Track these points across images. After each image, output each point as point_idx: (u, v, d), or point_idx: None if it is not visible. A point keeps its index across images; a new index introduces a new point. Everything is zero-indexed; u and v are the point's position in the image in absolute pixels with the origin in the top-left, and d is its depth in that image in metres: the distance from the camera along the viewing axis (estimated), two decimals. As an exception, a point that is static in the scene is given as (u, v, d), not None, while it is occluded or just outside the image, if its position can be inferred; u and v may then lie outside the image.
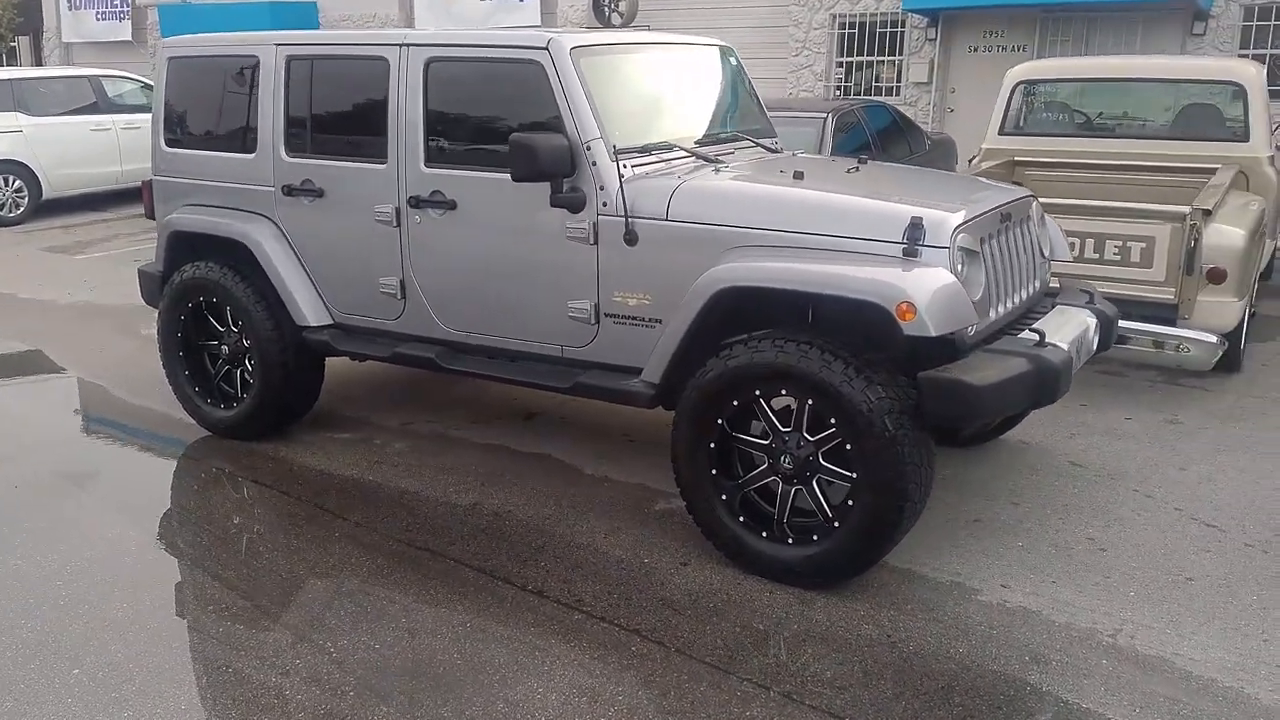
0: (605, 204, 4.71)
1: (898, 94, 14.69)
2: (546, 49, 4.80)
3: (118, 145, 15.08)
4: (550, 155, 4.60)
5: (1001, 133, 8.72)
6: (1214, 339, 6.34)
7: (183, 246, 6.15)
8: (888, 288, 4.02)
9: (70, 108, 14.86)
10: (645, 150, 4.92)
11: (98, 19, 23.33)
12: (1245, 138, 8.04)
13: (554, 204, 4.74)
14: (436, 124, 5.18)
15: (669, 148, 5.06)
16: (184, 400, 6.23)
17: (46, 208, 14.61)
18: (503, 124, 5.03)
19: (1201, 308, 6.41)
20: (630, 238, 4.68)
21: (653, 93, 5.44)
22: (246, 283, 5.79)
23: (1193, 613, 4.20)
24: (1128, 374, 7.08)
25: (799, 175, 4.81)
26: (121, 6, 22.85)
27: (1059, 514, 5.07)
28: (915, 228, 4.16)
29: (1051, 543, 4.79)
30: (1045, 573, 4.51)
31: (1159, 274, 6.45)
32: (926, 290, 4.01)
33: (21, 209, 14.26)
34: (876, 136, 9.79)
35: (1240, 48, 12.83)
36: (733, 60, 6.02)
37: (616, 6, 16.11)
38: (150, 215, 6.47)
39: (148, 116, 15.05)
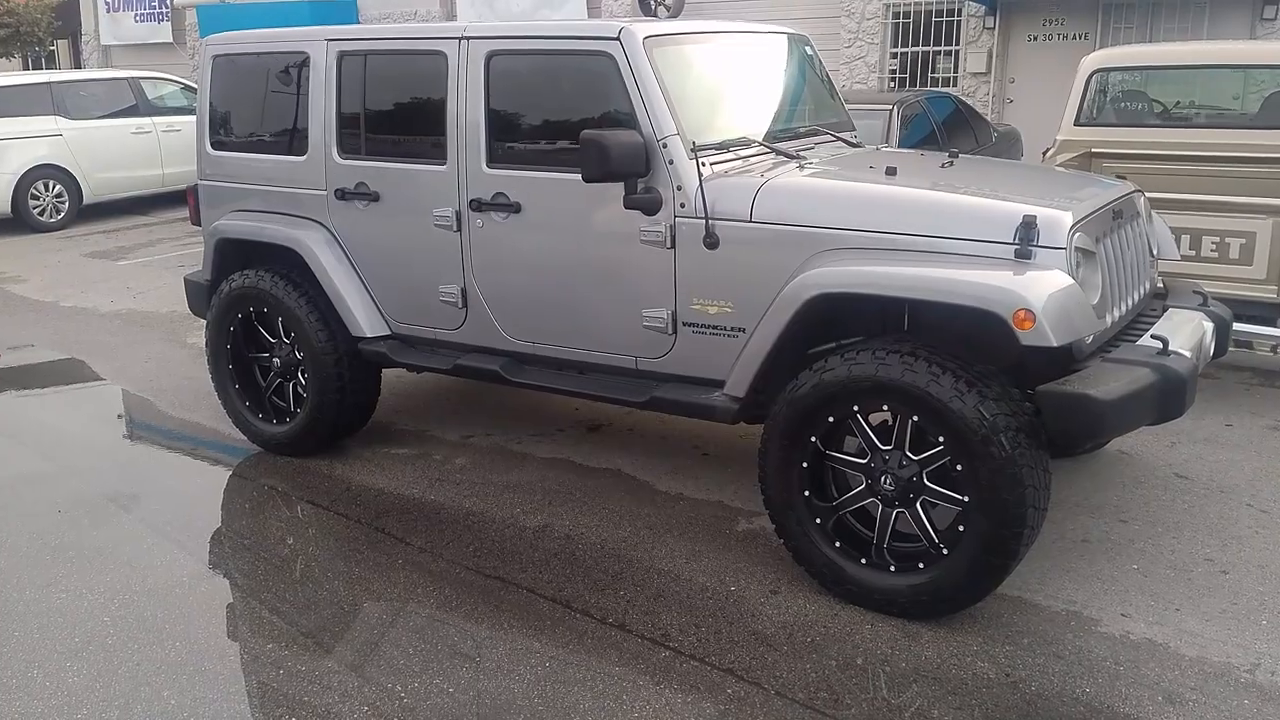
0: (683, 205, 4.39)
1: (954, 84, 14.26)
2: (618, 39, 4.48)
3: (159, 148, 14.92)
4: (624, 153, 4.27)
5: (1078, 123, 8.31)
6: (1322, 340, 5.95)
7: (231, 254, 5.89)
8: (1004, 293, 3.67)
9: (110, 110, 14.69)
10: (723, 147, 4.60)
11: (136, 21, 23.23)
12: (1338, 125, 7.60)
13: (628, 205, 4.41)
14: (499, 122, 4.87)
15: (747, 143, 4.74)
16: (234, 415, 5.97)
17: (87, 212, 14.46)
18: (571, 121, 4.72)
19: (1307, 307, 6.02)
20: (711, 241, 4.35)
21: (727, 85, 5.11)
22: (299, 291, 5.51)
23: (1336, 645, 3.84)
24: (1220, 375, 6.69)
25: (891, 171, 4.46)
26: (160, 8, 22.73)
27: (1171, 532, 4.71)
28: (1028, 227, 3.81)
29: (1169, 564, 4.42)
30: (1166, 599, 4.15)
31: (1259, 272, 6.06)
32: (1046, 295, 3.66)
33: (62, 214, 14.12)
34: (941, 128, 9.43)
35: (1313, 32, 12.34)
36: (807, 49, 5.69)
37: (663, 1, 15.79)
38: (196, 221, 6.21)
39: (189, 119, 15.14)
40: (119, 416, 6.74)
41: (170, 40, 22.71)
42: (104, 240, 13.25)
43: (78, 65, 29.29)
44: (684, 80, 4.64)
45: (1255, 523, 4.79)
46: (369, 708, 3.56)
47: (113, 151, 14.50)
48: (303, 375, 5.69)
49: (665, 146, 4.38)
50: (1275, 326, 6.02)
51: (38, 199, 13.90)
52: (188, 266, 11.16)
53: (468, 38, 4.89)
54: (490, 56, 4.83)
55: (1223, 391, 6.48)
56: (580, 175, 4.34)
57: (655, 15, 15.77)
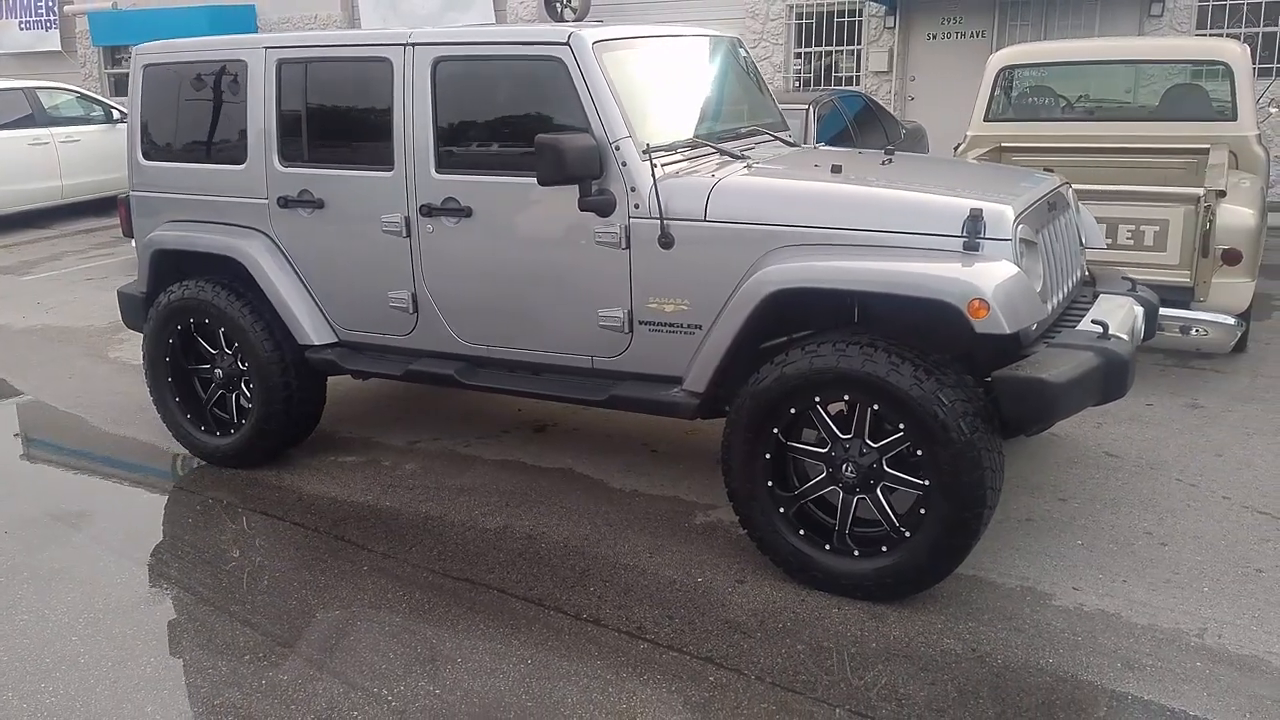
0: (637, 206, 4.47)
1: (857, 83, 14.56)
2: (567, 44, 4.55)
3: (58, 159, 14.52)
4: (579, 156, 4.34)
5: (987, 119, 8.58)
6: (1233, 321, 6.26)
7: (167, 265, 5.81)
8: (959, 284, 3.82)
9: (5, 121, 14.25)
10: (673, 148, 4.69)
11: (21, 28, 22.52)
12: (1233, 117, 7.96)
13: (582, 208, 4.49)
14: (447, 127, 4.90)
15: (695, 144, 4.84)
16: (174, 428, 5.89)
17: (-16, 228, 14.04)
18: (520, 125, 4.78)
19: (1217, 290, 6.32)
20: (666, 240, 4.44)
21: (672, 87, 5.20)
22: (242, 301, 5.47)
23: (1272, 606, 4.07)
24: (1137, 358, 6.96)
25: (837, 169, 4.60)
26: (48, 15, 22.07)
27: (1109, 508, 4.93)
28: (975, 220, 3.98)
29: (1110, 539, 4.63)
30: (1113, 571, 4.36)
31: (1173, 257, 6.34)
32: (996, 285, 3.83)
33: (-42, 229, 13.68)
34: (854, 125, 9.65)
35: (1197, 28, 12.87)
36: (741, 52, 5.81)
37: (569, 3, 15.81)
38: (128, 233, 6.13)
39: (87, 129, 14.82)
40: (53, 436, 6.60)
41: (59, 48, 22.06)
42: (4, 255, 12.86)
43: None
44: (632, 83, 4.72)
45: (1186, 496, 5.04)
46: (359, 713, 3.57)
47: (9, 164, 14.06)
48: (246, 386, 5.65)
49: (618, 149, 4.46)
50: (1189, 309, 6.30)
51: (-69, 215, 13.46)
52: (97, 280, 10.98)
53: (413, 44, 4.91)
54: (437, 62, 4.86)
55: (1140, 373, 6.71)
56: (535, 179, 4.41)
57: (561, 19, 15.80)
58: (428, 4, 17.44)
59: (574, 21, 15.37)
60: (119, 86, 21.56)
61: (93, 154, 14.91)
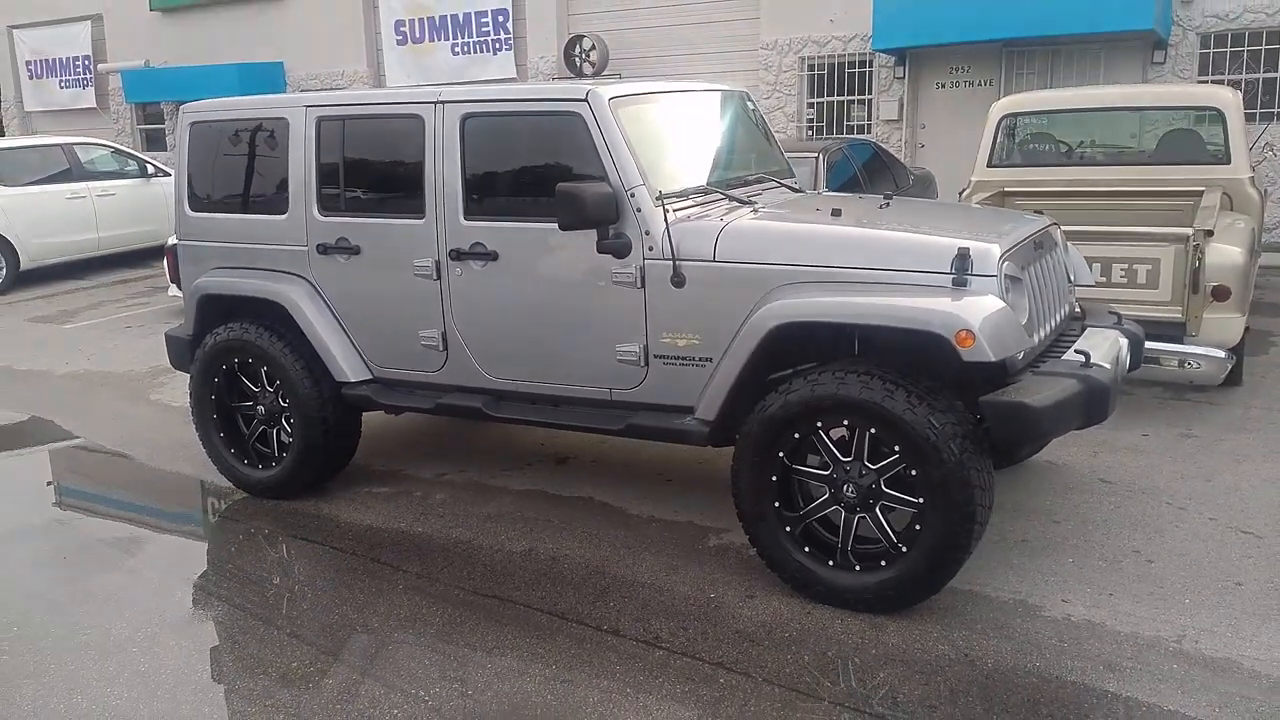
0: (651, 248, 4.83)
1: (868, 131, 14.97)
2: (586, 100, 4.93)
3: (94, 212, 15.03)
4: (596, 203, 4.71)
5: (990, 164, 8.93)
6: (1223, 354, 6.56)
7: (213, 309, 6.20)
8: (947, 316, 4.16)
9: (45, 176, 14.79)
10: (684, 194, 5.05)
11: (61, 86, 23.27)
12: (1227, 160, 8.29)
13: (600, 250, 4.85)
14: (475, 178, 5.28)
15: (705, 191, 5.20)
16: (219, 462, 6.25)
17: (24, 278, 14.50)
18: (542, 175, 5.15)
19: (1208, 325, 6.62)
20: (678, 280, 4.79)
21: (683, 138, 5.58)
22: (283, 342, 5.84)
23: (1249, 615, 4.35)
24: (1135, 391, 7.28)
25: (837, 212, 4.96)
26: (85, 74, 22.80)
27: (1100, 529, 5.22)
28: (963, 258, 4.31)
29: (1100, 557, 4.92)
30: (1100, 586, 4.65)
31: (1165, 294, 6.64)
32: (983, 317, 4.16)
33: (0, 280, 14.16)
34: (863, 172, 10.01)
35: (1199, 74, 13.22)
36: (749, 104, 6.19)
37: (588, 57, 16.34)
38: (175, 280, 6.52)
39: (122, 183, 15.34)
40: (102, 472, 6.97)
41: (94, 105, 22.76)
42: (45, 305, 13.33)
43: (-8, 133, 29.15)
44: (646, 135, 5.10)
45: (1174, 518, 5.32)
46: (399, 711, 3.90)
47: (48, 217, 14.60)
48: (286, 421, 6.01)
49: (633, 196, 4.83)
50: (1181, 344, 6.60)
51: (-25, 267, 13.96)
52: (135, 328, 11.41)
53: (443, 101, 5.30)
54: (465, 118, 5.25)
55: (1138, 405, 7.06)
56: (556, 224, 4.78)
57: (581, 72, 16.32)
58: (451, 60, 17.98)
59: (593, 75, 15.91)
60: (150, 141, 22.22)
61: (128, 207, 15.43)
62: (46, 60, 23.48)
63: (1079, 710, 3.76)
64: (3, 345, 11.04)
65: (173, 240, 11.85)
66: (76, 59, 22.95)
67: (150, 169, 15.91)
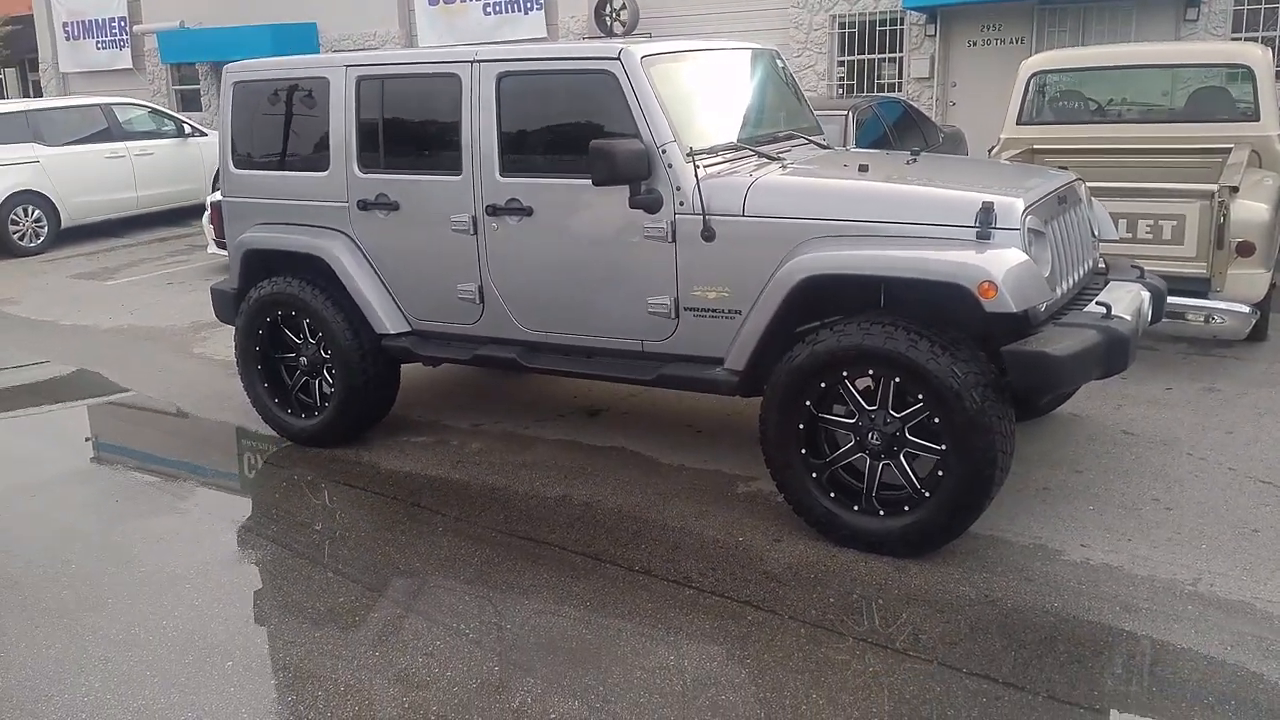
0: (682, 203, 4.96)
1: (899, 90, 14.98)
2: (619, 59, 5.05)
3: (133, 172, 15.25)
4: (629, 160, 4.85)
5: (1019, 122, 8.99)
6: (1247, 309, 6.65)
7: (256, 264, 6.38)
8: (970, 268, 4.28)
9: (85, 136, 15.02)
10: (714, 151, 5.17)
11: (98, 48, 23.51)
12: (1255, 117, 8.31)
13: (632, 205, 4.99)
14: (510, 135, 5.41)
15: (734, 147, 5.32)
16: (263, 412, 6.46)
17: (65, 236, 14.76)
18: (576, 132, 5.28)
19: (1232, 280, 6.70)
20: (708, 234, 4.93)
21: (714, 96, 5.69)
22: (325, 295, 6.02)
23: (1263, 560, 4.48)
24: (1160, 347, 7.36)
25: (864, 168, 5.07)
26: (121, 34, 23.03)
27: (1121, 478, 5.34)
28: (987, 212, 4.42)
29: (1120, 504, 5.05)
30: (1119, 532, 4.78)
31: (1190, 250, 6.72)
32: (1005, 269, 4.28)
33: (42, 238, 14.42)
34: (893, 130, 10.08)
35: (1232, 32, 13.16)
36: (778, 62, 6.29)
37: (618, 16, 16.39)
38: (219, 236, 6.70)
39: (160, 142, 15.57)
40: (151, 421, 7.21)
41: (130, 66, 22.99)
42: (86, 262, 13.59)
43: (27, 93, 29.46)
44: (677, 93, 5.22)
45: (1195, 469, 5.44)
46: (441, 643, 4.10)
47: (89, 176, 14.83)
48: (328, 372, 6.20)
49: (664, 152, 4.96)
50: (1206, 299, 6.69)
51: (17, 224, 14.20)
52: (175, 285, 11.64)
53: (480, 60, 5.44)
54: (501, 77, 5.38)
55: (1163, 360, 7.16)
56: (590, 180, 4.92)
57: (611, 31, 16.38)
58: (483, 21, 18.07)
59: (623, 34, 15.96)
60: (185, 102, 22.44)
61: (166, 166, 15.65)
62: (83, 21, 23.71)
63: (1095, 647, 3.91)
64: (47, 301, 11.29)
65: (217, 196, 12.15)
66: (112, 20, 23.17)
67: (187, 129, 16.11)
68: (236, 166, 6.42)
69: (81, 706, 3.80)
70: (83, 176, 14.77)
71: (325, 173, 5.99)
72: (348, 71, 5.87)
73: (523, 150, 5.42)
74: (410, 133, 5.82)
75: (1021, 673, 3.77)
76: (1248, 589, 4.26)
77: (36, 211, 14.38)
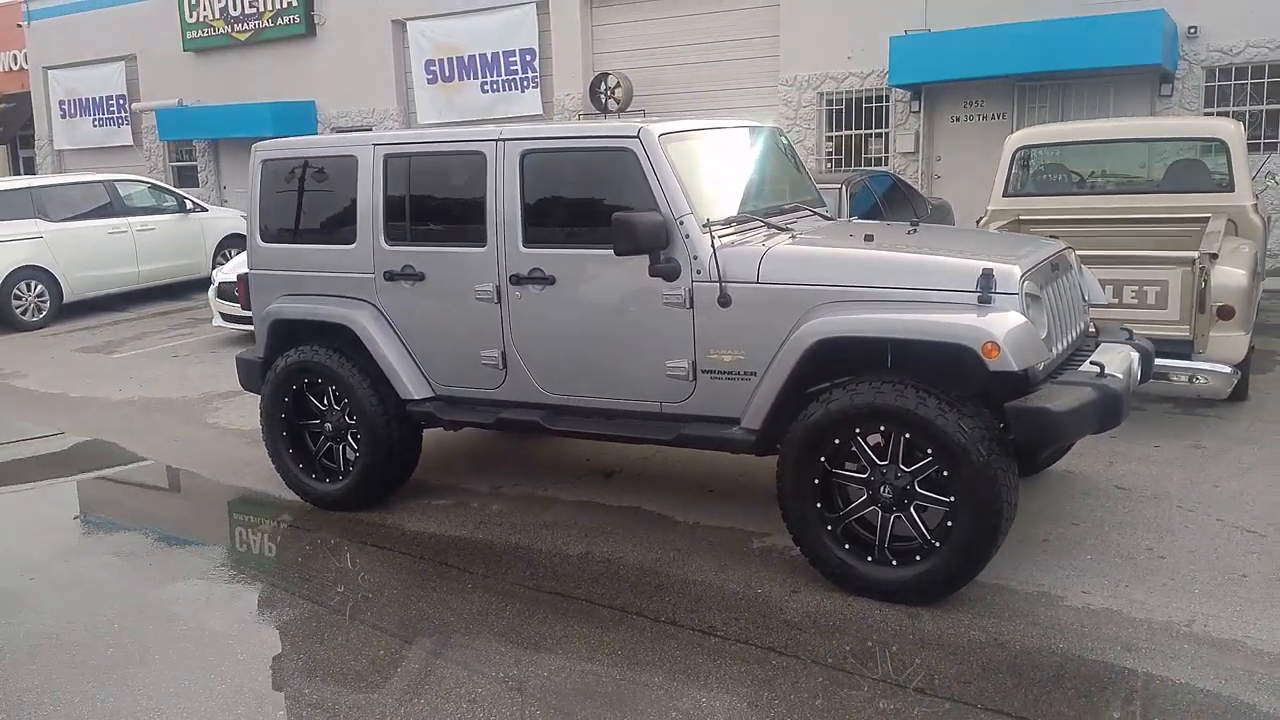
0: (699, 272, 5.26)
1: (886, 164, 15.45)
2: (638, 137, 5.38)
3: (134, 247, 15.53)
4: (649, 231, 5.16)
5: (1006, 194, 9.37)
6: (1229, 370, 6.97)
7: (283, 334, 6.64)
8: (975, 330, 4.59)
9: (87, 211, 15.30)
10: (728, 222, 5.49)
11: (94, 125, 23.95)
12: (1230, 188, 8.71)
13: (652, 274, 5.29)
14: (533, 208, 5.72)
15: (746, 219, 5.64)
16: (287, 476, 6.68)
17: (67, 311, 14.98)
18: (596, 206, 5.60)
19: (1214, 342, 7.02)
20: (724, 300, 5.22)
21: (724, 170, 6.03)
22: (351, 363, 6.27)
23: (1253, 603, 4.74)
24: (1147, 407, 7.67)
25: (869, 238, 5.40)
26: (119, 111, 23.47)
27: (1116, 530, 5.62)
28: (987, 277, 4.74)
29: (1116, 554, 5.32)
30: (1117, 579, 5.04)
31: (1174, 314, 7.05)
32: (1006, 330, 4.58)
33: (44, 313, 14.65)
34: (883, 201, 10.46)
35: (1205, 106, 13.68)
36: (782, 139, 6.65)
37: (613, 94, 16.87)
38: (246, 307, 6.96)
39: (163, 218, 15.88)
40: (174, 487, 7.42)
41: (130, 143, 23.41)
42: (89, 336, 13.81)
43: (18, 170, 29.81)
44: (691, 168, 5.54)
45: (1185, 520, 5.72)
46: (482, 690, 4.31)
47: (91, 251, 15.09)
48: (352, 438, 6.44)
49: (682, 224, 5.27)
50: (1189, 360, 7.01)
51: (20, 299, 14.44)
52: (182, 357, 11.88)
53: (504, 140, 5.76)
54: (525, 154, 5.70)
55: (1150, 419, 7.46)
56: (611, 250, 5.23)
57: (606, 109, 16.85)
58: (481, 98, 18.56)
59: (617, 111, 16.42)
60: (182, 177, 22.82)
61: (167, 241, 15.96)
62: (80, 99, 24.19)
63: (1100, 683, 4.16)
64: (55, 374, 11.50)
65: (225, 272, 12.40)
66: (110, 98, 23.64)
67: (188, 204, 16.45)
68: (264, 240, 6.70)
69: (145, 752, 4.01)
70: (85, 252, 15.04)
71: (352, 245, 6.28)
72: (375, 150, 6.18)
73: (545, 223, 5.73)
74: (436, 207, 6.12)
75: (1033, 707, 4.01)
76: (1239, 629, 4.52)
77: (39, 286, 14.62)
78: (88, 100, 24.06)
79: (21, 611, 5.35)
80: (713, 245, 5.21)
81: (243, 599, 5.40)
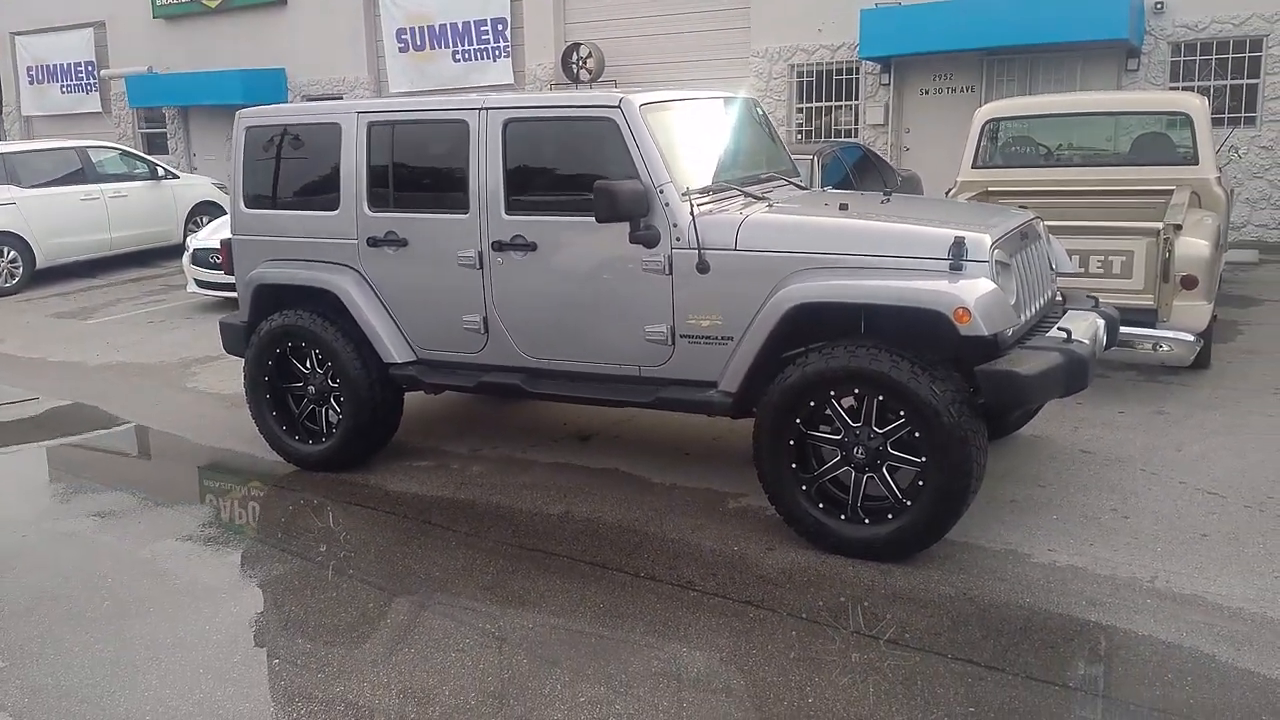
0: (678, 239, 5.39)
1: (856, 136, 15.59)
2: (619, 107, 5.49)
3: (107, 213, 15.50)
4: (630, 199, 5.27)
5: (974, 166, 9.54)
6: (1192, 338, 7.17)
7: (266, 299, 6.72)
8: (946, 296, 4.74)
9: (58, 178, 15.24)
10: (706, 191, 5.61)
11: (62, 91, 23.73)
12: (1195, 161, 8.91)
13: (632, 241, 5.40)
14: (515, 176, 5.82)
15: (724, 188, 5.76)
16: (270, 438, 6.78)
17: (40, 277, 14.96)
18: (578, 174, 5.71)
19: (1178, 311, 7.22)
20: (702, 267, 5.35)
21: (702, 140, 6.14)
22: (334, 327, 6.37)
23: (1212, 561, 4.94)
24: (1111, 374, 7.87)
25: (844, 207, 5.53)
26: (88, 78, 23.27)
27: (1081, 491, 5.80)
28: (959, 245, 4.89)
29: (1081, 514, 5.51)
30: (1082, 538, 5.23)
31: (1139, 283, 7.24)
32: (977, 296, 4.74)
33: (17, 279, 14.61)
34: (853, 172, 10.60)
35: (1170, 81, 13.89)
36: (759, 110, 6.77)
37: (584, 64, 16.91)
38: (229, 272, 7.03)
39: (135, 185, 15.83)
40: (158, 450, 7.50)
41: (99, 110, 23.22)
42: (63, 302, 13.80)
43: (-11, 137, 29.53)
44: (671, 138, 5.65)
45: (1148, 482, 5.91)
46: (468, 640, 4.45)
47: (64, 218, 15.07)
48: (335, 400, 6.54)
49: (662, 192, 5.39)
50: (1154, 328, 7.21)
51: (-8, 265, 14.42)
52: (157, 323, 11.91)
53: (487, 108, 5.85)
54: (507, 123, 5.80)
55: (1115, 386, 7.67)
56: (592, 217, 5.34)
57: (578, 80, 16.89)
58: (452, 67, 18.54)
59: (589, 82, 16.47)
60: (151, 144, 22.68)
61: (139, 208, 15.94)
62: (47, 66, 23.96)
63: (1065, 635, 4.34)
64: (31, 340, 11.51)
65: (202, 239, 12.43)
66: (79, 65, 23.43)
67: (160, 171, 16.40)
68: (247, 206, 6.76)
69: (144, 700, 4.12)
70: (58, 218, 15.01)
71: (336, 212, 6.36)
72: (359, 117, 6.25)
73: (527, 190, 5.83)
74: (419, 174, 6.21)
75: (1001, 657, 4.19)
76: (1199, 585, 4.71)
77: (12, 252, 14.60)
78: (56, 66, 23.84)
79: (17, 567, 5.45)
80: (692, 213, 5.34)
81: (232, 555, 5.51)
